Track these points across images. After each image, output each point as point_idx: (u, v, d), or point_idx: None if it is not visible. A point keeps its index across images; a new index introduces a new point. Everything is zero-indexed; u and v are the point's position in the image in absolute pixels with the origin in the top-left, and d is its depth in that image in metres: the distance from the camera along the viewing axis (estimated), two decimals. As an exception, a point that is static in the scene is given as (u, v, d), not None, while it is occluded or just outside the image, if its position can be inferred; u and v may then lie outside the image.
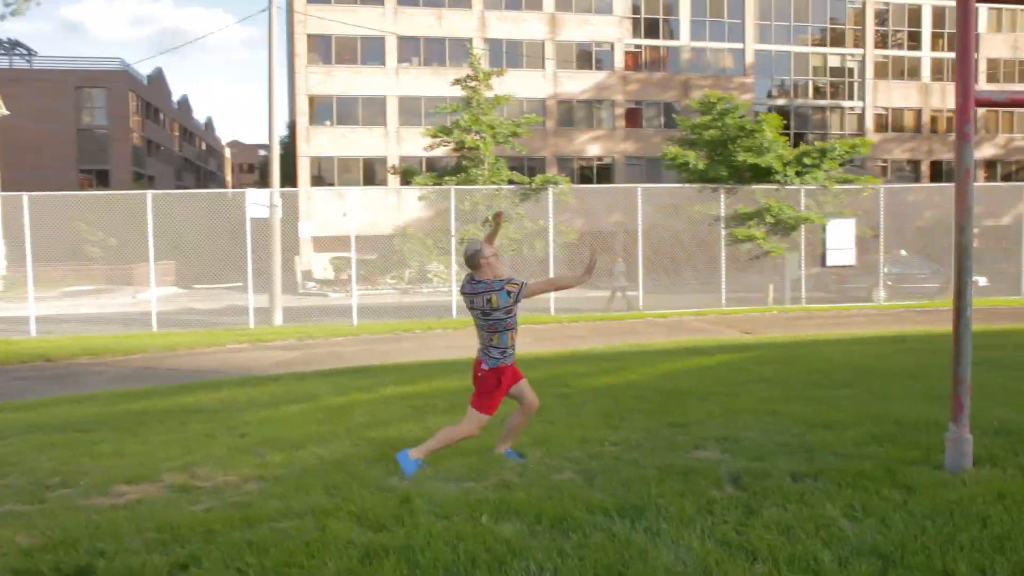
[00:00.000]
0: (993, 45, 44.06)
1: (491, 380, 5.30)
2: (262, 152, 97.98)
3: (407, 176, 21.91)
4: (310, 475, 5.44)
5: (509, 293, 5.11)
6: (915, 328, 15.53)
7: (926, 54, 43.14)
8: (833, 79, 41.27)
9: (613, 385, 8.87)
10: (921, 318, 18.15)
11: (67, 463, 5.98)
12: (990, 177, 43.10)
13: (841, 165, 21.51)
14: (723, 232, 19.98)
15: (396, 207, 33.53)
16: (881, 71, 42.02)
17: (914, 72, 43.00)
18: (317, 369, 11.36)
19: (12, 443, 6.75)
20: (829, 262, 21.20)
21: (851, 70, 41.33)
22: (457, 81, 21.48)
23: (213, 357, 13.53)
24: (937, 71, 43.53)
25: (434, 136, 20.87)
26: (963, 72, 4.91)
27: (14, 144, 38.31)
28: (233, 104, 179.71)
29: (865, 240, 21.35)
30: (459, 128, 19.96)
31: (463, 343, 14.70)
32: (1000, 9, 42.70)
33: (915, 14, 42.55)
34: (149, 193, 16.86)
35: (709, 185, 20.03)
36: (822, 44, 41.37)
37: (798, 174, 20.13)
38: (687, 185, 20.17)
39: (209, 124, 77.16)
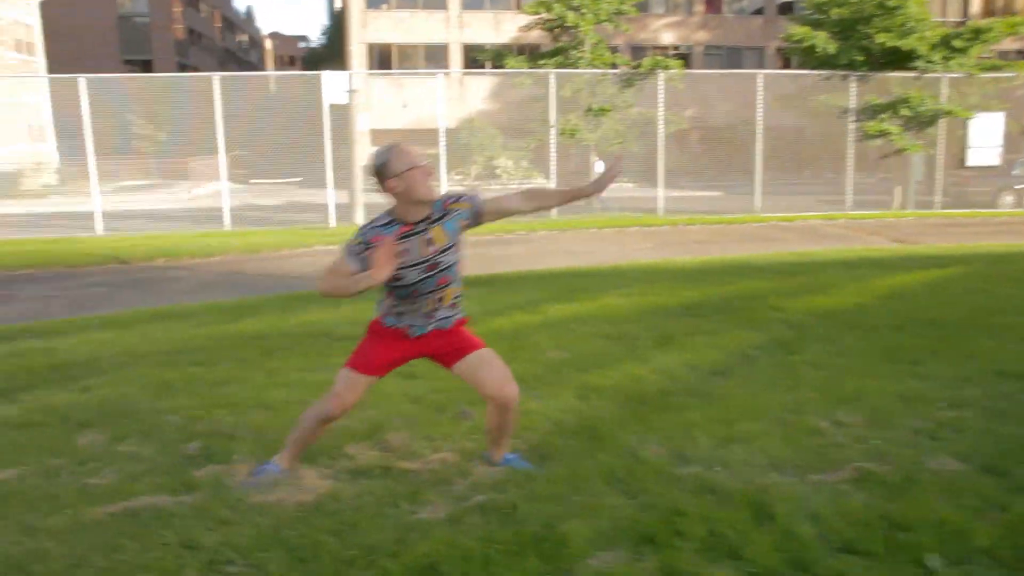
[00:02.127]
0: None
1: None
2: (302, 44, 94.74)
3: (498, 60, 19.52)
4: (560, 455, 3.71)
5: (456, 221, 3.20)
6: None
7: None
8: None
9: (838, 309, 7.03)
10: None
11: (198, 417, 4.32)
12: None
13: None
14: (852, 126, 17.58)
15: (459, 98, 31.26)
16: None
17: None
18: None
19: (114, 381, 5.11)
20: (971, 162, 18.76)
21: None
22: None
23: (305, 260, 11.85)
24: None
25: (535, 12, 18.31)
26: None
27: (53, 31, 36.17)
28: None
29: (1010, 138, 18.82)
30: (561, 2, 17.39)
31: (579, 248, 12.87)
32: None
33: None
34: (216, 76, 14.89)
35: (838, 72, 17.48)
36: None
37: (944, 59, 17.45)
38: (813, 72, 17.65)
39: (250, 14, 74.20)
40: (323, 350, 5.80)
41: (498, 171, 27.56)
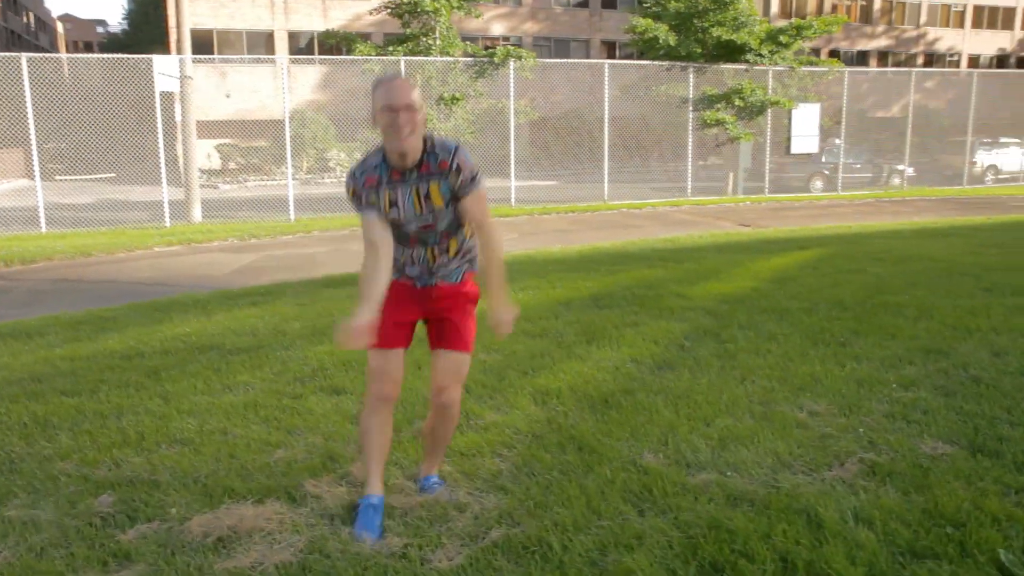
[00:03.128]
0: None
1: (476, 294, 3.11)
2: (101, 29, 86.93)
3: (349, 45, 18.52)
4: (557, 472, 3.35)
5: (455, 181, 2.83)
6: (924, 219, 14.61)
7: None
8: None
9: (739, 295, 7.08)
10: (897, 208, 17.39)
11: (96, 462, 3.58)
12: (883, 66, 43.51)
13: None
14: (691, 116, 18.26)
15: (288, 88, 29.82)
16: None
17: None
18: (314, 276, 8.88)
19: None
20: (794, 149, 20.07)
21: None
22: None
23: (146, 264, 10.63)
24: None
25: None
26: None
27: None
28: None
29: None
30: None
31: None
32: None
33: None
34: (24, 56, 13.05)
35: (678, 64, 18.10)
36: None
37: (771, 53, 18.52)
38: (656, 63, 18.14)
39: (35, -8, 67.18)
40: (218, 366, 5.06)
41: (331, 163, 26.52)
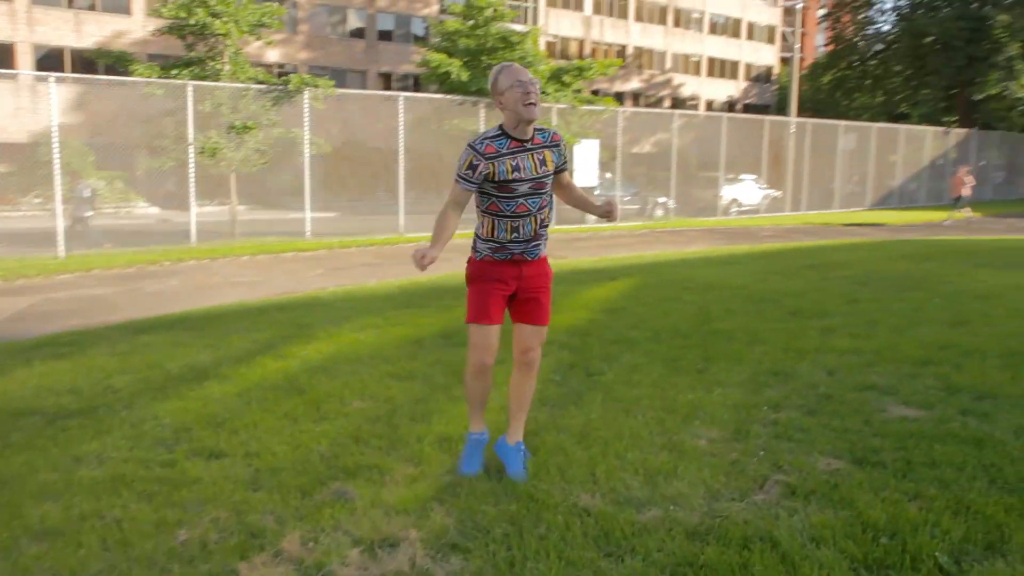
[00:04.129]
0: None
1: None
2: None
3: (122, 63, 16.83)
4: (507, 526, 3.27)
5: (561, 150, 3.69)
6: (701, 248, 15.97)
7: (590, -13, 45.52)
8: (512, 2, 41.58)
9: (581, 326, 7.32)
10: (672, 237, 18.91)
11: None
12: (636, 107, 47.40)
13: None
14: (482, 150, 18.73)
15: (31, 109, 27.00)
16: (552, 0, 43.40)
17: (579, 4, 45.18)
18: (115, 321, 7.96)
19: None
20: (577, 183, 21.15)
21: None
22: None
23: None
24: (598, 6, 46.25)
25: (175, 16, 16.06)
26: None
27: None
28: None
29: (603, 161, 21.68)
30: (204, 6, 15.52)
31: (243, 278, 11.75)
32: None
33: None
34: None
35: (470, 98, 18.51)
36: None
37: (556, 91, 19.51)
38: (450, 96, 18.40)
39: None
40: (53, 435, 4.37)
41: (86, 193, 24.15)
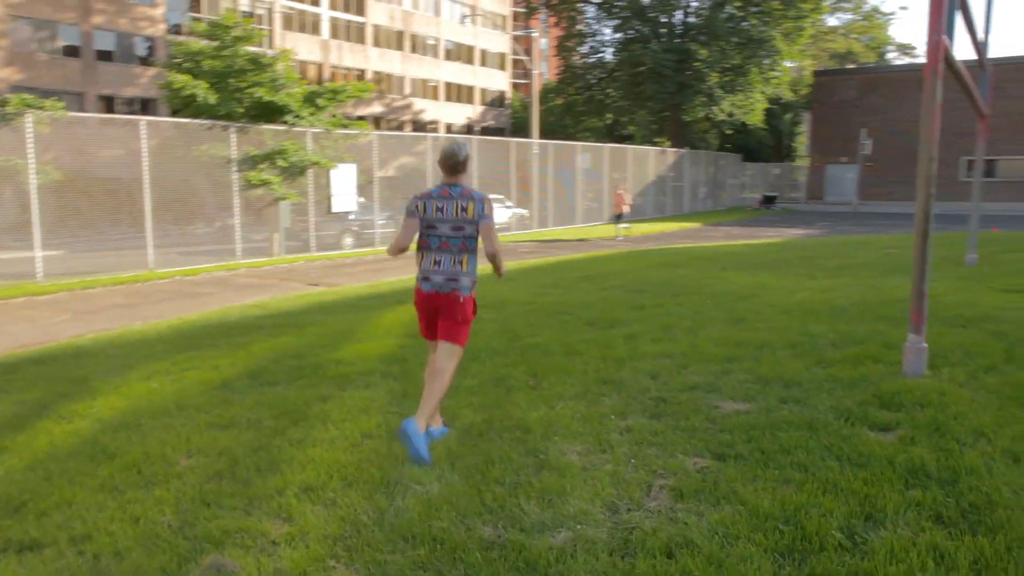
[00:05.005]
0: (377, 12, 48.22)
1: (470, 308, 4.54)
2: None
3: None
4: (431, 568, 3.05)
5: (484, 207, 4.43)
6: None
7: (326, 12, 44.89)
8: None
9: (389, 354, 7.18)
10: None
11: None
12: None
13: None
14: (235, 176, 17.67)
15: None
16: (288, 23, 42.23)
17: (316, 28, 44.40)
18: None
19: None
20: (335, 208, 20.69)
21: (261, 16, 40.49)
22: None
23: None
24: (335, 30, 45.74)
25: None
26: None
27: None
28: None
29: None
30: None
31: (50, 318, 10.12)
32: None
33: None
34: None
35: (219, 123, 17.33)
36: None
37: (311, 115, 18.90)
38: (197, 121, 17.06)
39: None
40: None
41: None
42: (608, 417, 4.84)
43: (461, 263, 4.43)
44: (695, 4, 44.69)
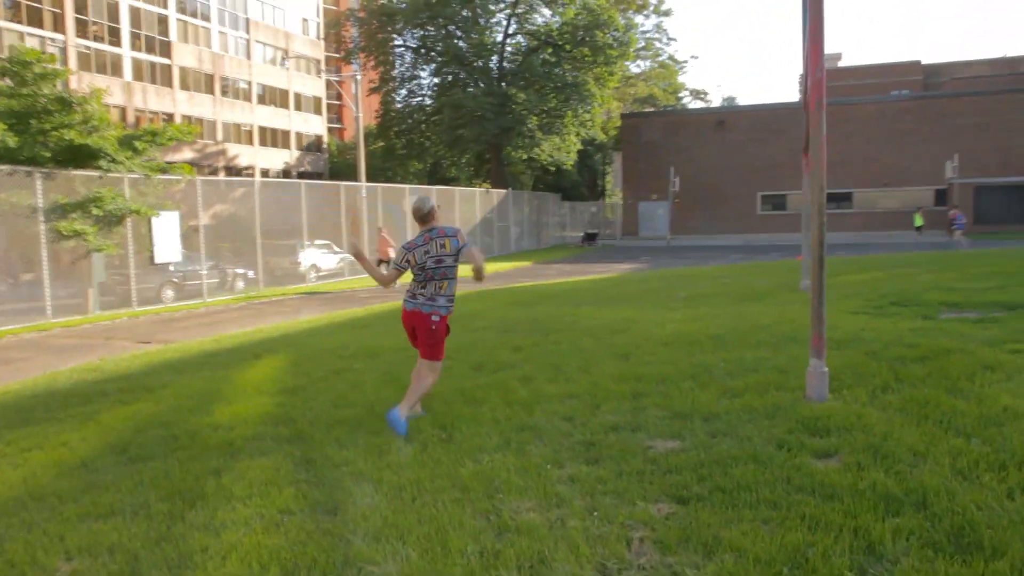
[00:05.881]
0: (183, 54, 45.93)
1: (443, 329, 5.64)
2: None
3: None
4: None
5: (458, 239, 5.54)
6: (318, 315, 15.44)
7: (128, 52, 42.13)
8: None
9: (267, 414, 6.61)
10: (276, 308, 18.07)
11: None
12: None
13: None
14: (43, 227, 15.88)
15: None
16: (85, 62, 39.18)
17: (116, 69, 41.51)
18: None
19: None
20: (158, 259, 19.12)
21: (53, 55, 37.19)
22: None
23: None
24: (139, 71, 43.00)
25: None
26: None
27: None
28: None
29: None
30: None
31: None
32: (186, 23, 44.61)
33: (114, 10, 41.01)
34: None
35: (22, 168, 15.52)
36: (18, 21, 36.18)
37: (128, 159, 17.39)
38: (-7, 166, 15.12)
39: None
40: None
41: None
42: (544, 467, 4.56)
43: (441, 288, 5.55)
44: (510, 50, 46.14)
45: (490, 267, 29.64)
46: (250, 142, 53.09)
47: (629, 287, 17.25)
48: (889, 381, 5.93)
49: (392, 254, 23.56)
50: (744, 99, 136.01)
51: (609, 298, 14.67)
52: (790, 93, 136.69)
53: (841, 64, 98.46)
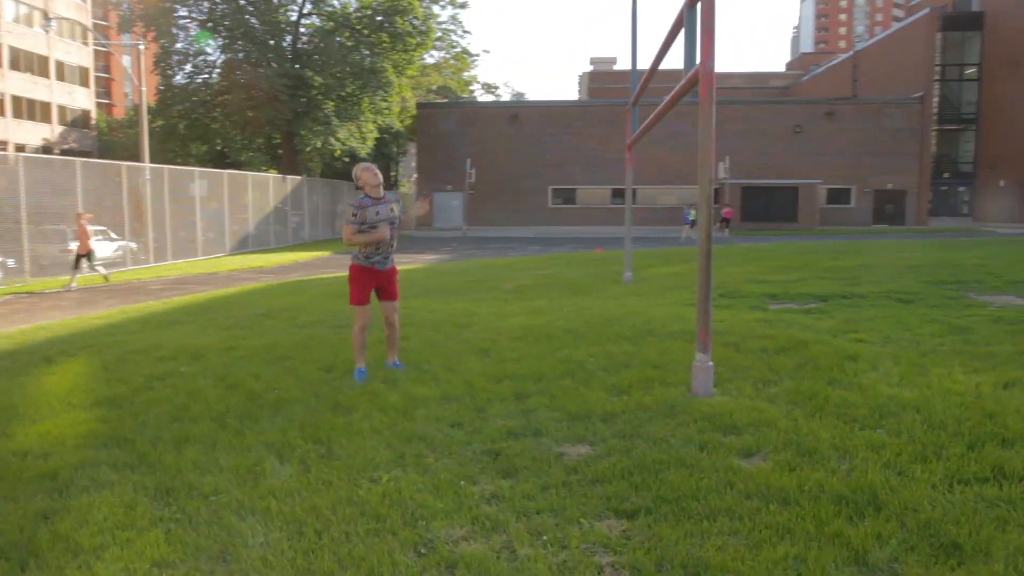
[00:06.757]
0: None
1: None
2: None
3: None
4: None
5: (398, 206, 6.64)
6: (101, 311, 13.66)
7: None
8: None
9: (94, 432, 5.55)
10: (48, 302, 15.84)
11: None
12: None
13: None
14: None
15: None
16: None
17: None
18: None
19: None
20: None
21: None
22: None
23: None
24: None
25: None
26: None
27: None
28: None
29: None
30: None
31: None
32: None
33: None
34: None
35: None
36: None
37: None
38: None
39: None
40: None
41: None
42: (457, 484, 4.08)
43: (392, 246, 6.60)
44: (305, 31, 44.11)
45: (289, 256, 28.17)
46: (2, 114, 46.86)
47: (448, 278, 16.90)
48: (766, 374, 6.01)
49: (92, 246, 20.68)
50: (532, 95, 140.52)
51: (431, 290, 14.24)
52: (573, 91, 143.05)
53: (616, 68, 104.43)
